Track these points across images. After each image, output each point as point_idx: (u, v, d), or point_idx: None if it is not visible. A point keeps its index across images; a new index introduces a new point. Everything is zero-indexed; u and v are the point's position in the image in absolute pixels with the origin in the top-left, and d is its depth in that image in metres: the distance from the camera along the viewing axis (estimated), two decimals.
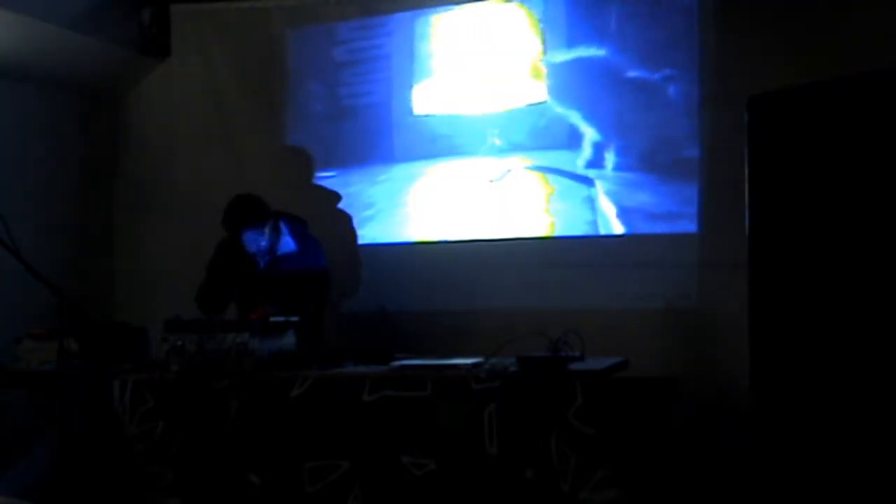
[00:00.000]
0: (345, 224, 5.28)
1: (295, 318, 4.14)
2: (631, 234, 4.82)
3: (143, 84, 5.84)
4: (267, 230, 4.42)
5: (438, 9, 5.21)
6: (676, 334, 4.61)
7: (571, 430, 3.49)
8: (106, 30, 5.32)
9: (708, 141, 4.66)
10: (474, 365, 3.74)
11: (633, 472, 3.43)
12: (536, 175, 4.89)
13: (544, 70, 4.83)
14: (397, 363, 3.88)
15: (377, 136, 5.32)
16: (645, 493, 3.45)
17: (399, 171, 5.28)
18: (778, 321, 3.30)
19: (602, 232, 4.76)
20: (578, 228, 4.80)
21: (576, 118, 4.76)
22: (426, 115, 5.21)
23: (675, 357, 4.42)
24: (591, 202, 4.76)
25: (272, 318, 4.10)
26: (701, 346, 4.54)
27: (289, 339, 4.08)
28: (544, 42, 4.84)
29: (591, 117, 4.71)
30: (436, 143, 5.16)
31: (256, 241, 4.41)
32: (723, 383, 4.28)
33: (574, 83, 4.72)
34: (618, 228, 4.74)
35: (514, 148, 4.97)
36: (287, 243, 4.54)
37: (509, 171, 4.94)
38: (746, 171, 3.37)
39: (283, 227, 4.54)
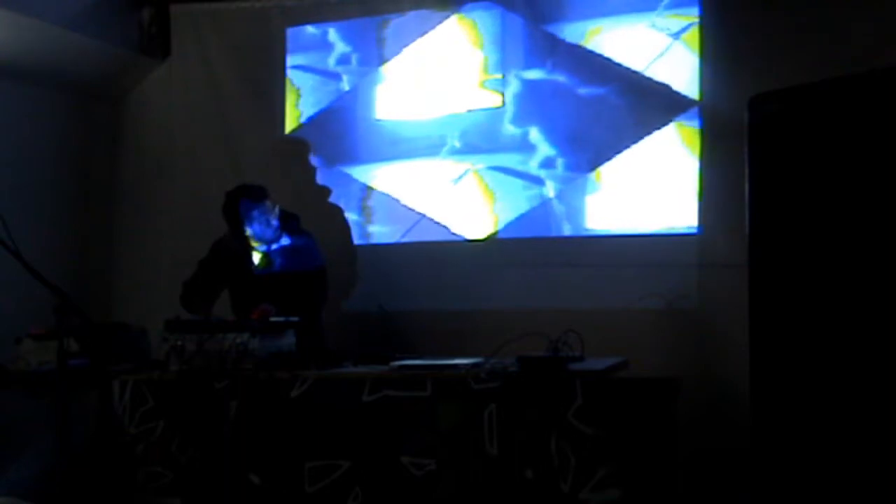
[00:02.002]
0: (338, 216, 5.30)
1: (295, 319, 4.14)
2: (631, 235, 4.82)
3: (143, 84, 5.84)
4: (275, 209, 4.42)
5: (433, 10, 5.22)
6: (676, 334, 4.61)
7: (571, 430, 3.49)
8: (106, 30, 5.32)
9: (708, 141, 4.66)
10: (474, 365, 3.74)
11: (634, 471, 3.43)
12: (491, 176, 4.96)
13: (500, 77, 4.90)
14: (397, 363, 3.88)
15: (341, 139, 5.35)
16: (645, 493, 3.45)
17: (359, 172, 5.31)
18: (778, 321, 3.30)
19: (553, 232, 4.82)
20: (529, 228, 4.90)
21: (532, 124, 4.87)
22: (387, 120, 5.24)
23: (675, 357, 4.41)
24: (543, 201, 4.84)
25: (272, 318, 4.10)
26: (701, 346, 4.54)
27: (289, 339, 4.08)
28: (503, 51, 4.88)
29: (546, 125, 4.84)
30: (397, 147, 5.18)
31: (266, 219, 4.41)
32: (723, 383, 4.29)
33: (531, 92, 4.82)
34: (567, 229, 4.83)
35: (471, 150, 5.00)
36: (285, 238, 4.54)
37: (467, 171, 5.01)
38: (746, 171, 3.37)
39: (284, 221, 4.54)
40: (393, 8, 5.32)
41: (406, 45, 5.09)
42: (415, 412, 3.68)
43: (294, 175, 5.42)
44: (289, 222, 4.59)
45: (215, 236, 4.66)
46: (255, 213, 4.41)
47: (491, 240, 5.10)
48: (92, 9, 5.19)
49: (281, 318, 4.12)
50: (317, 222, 4.90)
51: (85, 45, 5.19)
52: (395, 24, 5.16)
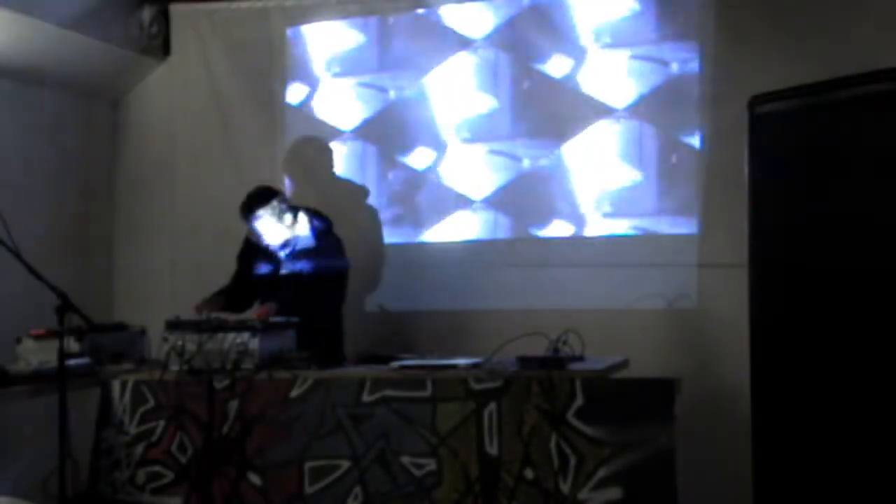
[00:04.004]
0: (373, 219, 5.32)
1: (295, 319, 4.14)
2: (631, 235, 4.83)
3: (143, 84, 5.84)
4: (279, 214, 4.42)
5: (435, 9, 5.25)
6: (676, 334, 4.62)
7: (571, 430, 3.49)
8: (106, 30, 5.32)
9: (708, 141, 4.67)
10: (474, 365, 3.74)
11: (634, 471, 3.43)
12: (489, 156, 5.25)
13: None
14: (397, 363, 3.88)
15: (388, 134, 5.41)
16: (645, 493, 3.45)
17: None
18: (778, 321, 3.30)
19: (527, 190, 5.13)
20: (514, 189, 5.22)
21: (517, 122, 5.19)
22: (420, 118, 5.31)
23: (675, 357, 4.42)
24: (521, 171, 5.17)
25: (272, 318, 4.10)
26: (701, 346, 4.55)
27: (288, 339, 4.08)
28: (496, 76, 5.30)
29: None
30: (427, 138, 5.31)
31: (273, 222, 4.42)
32: (723, 383, 4.29)
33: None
34: (536, 188, 5.12)
35: (476, 139, 5.24)
36: (306, 239, 4.54)
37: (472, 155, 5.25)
38: (746, 171, 3.37)
39: (305, 222, 4.54)
40: (393, 8, 5.34)
41: (432, 67, 5.31)
42: (415, 412, 3.68)
43: (302, 179, 5.43)
44: (316, 224, 4.59)
45: (215, 236, 4.66)
46: (259, 218, 4.41)
47: (491, 240, 5.12)
48: (92, 9, 5.18)
49: (281, 318, 4.13)
50: (349, 224, 4.92)
51: (85, 45, 5.19)
52: (424, 51, 5.31)
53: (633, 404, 3.50)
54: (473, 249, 5.13)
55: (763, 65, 4.38)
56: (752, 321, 3.37)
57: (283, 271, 4.53)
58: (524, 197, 5.10)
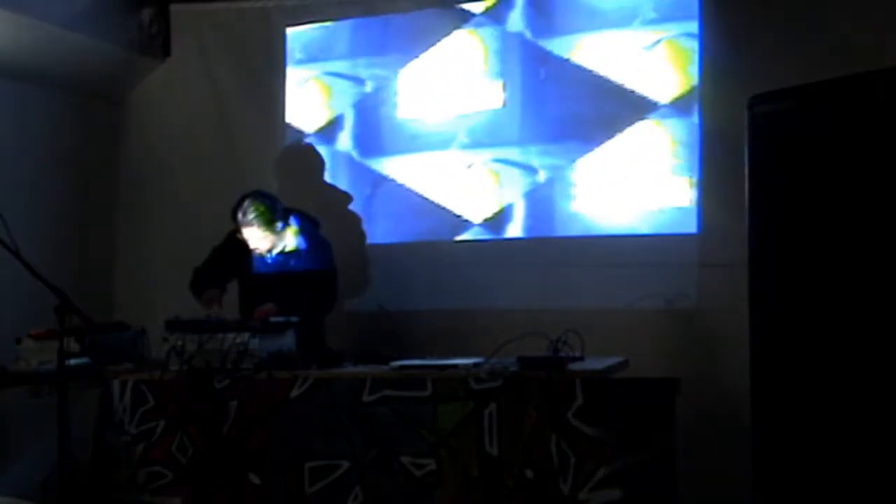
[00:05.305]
0: (356, 225, 5.29)
1: (295, 319, 4.14)
2: (631, 235, 4.83)
3: (143, 84, 5.83)
4: (268, 218, 4.41)
5: (436, 9, 5.23)
6: (676, 334, 4.61)
7: (571, 430, 3.50)
8: (106, 30, 5.32)
9: (708, 141, 4.67)
10: (474, 365, 3.74)
11: (634, 471, 3.44)
12: (493, 166, 5.09)
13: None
14: (397, 363, 3.89)
15: (364, 134, 5.38)
16: (645, 493, 3.45)
17: (378, 163, 5.35)
18: (778, 321, 3.30)
19: (545, 211, 4.98)
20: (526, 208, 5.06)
21: (526, 123, 5.03)
22: (405, 118, 5.27)
23: (675, 357, 4.41)
24: (536, 186, 5.00)
25: (272, 318, 4.10)
26: (701, 346, 4.54)
27: (289, 339, 4.08)
28: (503, 62, 5.09)
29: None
30: (414, 141, 5.24)
31: (257, 231, 4.41)
32: (723, 383, 4.28)
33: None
34: (556, 208, 4.97)
35: (476, 145, 5.11)
36: (297, 241, 4.54)
37: (472, 163, 5.12)
38: (746, 171, 3.37)
39: (295, 223, 4.54)
40: (392, 8, 5.33)
41: (421, 51, 5.19)
42: (415, 412, 3.68)
43: (303, 181, 5.42)
44: (307, 226, 4.59)
45: (215, 236, 4.66)
46: (249, 224, 4.41)
47: (491, 240, 5.11)
48: (92, 9, 5.18)
49: (281, 318, 4.13)
50: (334, 228, 4.90)
51: (85, 45, 5.19)
52: (410, 31, 5.21)
53: (633, 404, 3.51)
54: (474, 249, 5.13)
55: (763, 65, 4.38)
56: (752, 321, 3.37)
57: (275, 270, 4.52)
58: (536, 210, 4.97)
